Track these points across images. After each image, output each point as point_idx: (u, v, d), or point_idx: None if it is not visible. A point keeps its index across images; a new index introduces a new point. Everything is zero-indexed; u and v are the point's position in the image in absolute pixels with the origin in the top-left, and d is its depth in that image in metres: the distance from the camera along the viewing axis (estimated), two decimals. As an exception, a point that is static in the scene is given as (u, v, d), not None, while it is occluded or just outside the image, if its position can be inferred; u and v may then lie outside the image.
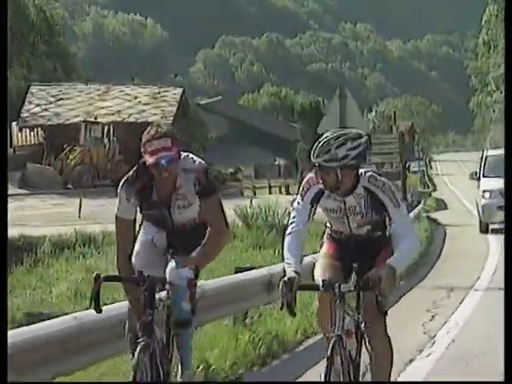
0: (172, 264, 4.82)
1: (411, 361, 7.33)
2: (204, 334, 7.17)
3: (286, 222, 18.64)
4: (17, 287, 15.58)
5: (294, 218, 4.83)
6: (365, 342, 4.83)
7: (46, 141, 40.27)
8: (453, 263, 16.20)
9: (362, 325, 4.79)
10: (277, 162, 58.91)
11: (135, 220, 4.94)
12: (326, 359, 4.55)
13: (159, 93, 43.51)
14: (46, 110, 41.88)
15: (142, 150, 4.76)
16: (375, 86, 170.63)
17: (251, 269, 8.52)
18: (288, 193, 41.13)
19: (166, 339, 4.87)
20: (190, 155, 4.92)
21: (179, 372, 4.98)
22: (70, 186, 35.25)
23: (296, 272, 4.66)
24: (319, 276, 4.90)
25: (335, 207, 4.83)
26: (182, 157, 4.83)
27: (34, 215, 26.28)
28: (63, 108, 42.04)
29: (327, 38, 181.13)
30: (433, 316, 9.80)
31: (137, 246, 5.06)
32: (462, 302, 10.92)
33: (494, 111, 59.50)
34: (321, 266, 4.97)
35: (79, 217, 25.55)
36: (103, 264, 17.22)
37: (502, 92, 52.44)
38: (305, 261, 4.85)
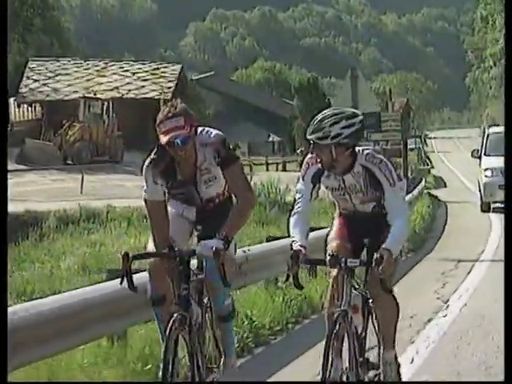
0: (201, 237, 4.85)
1: (429, 320, 7.80)
2: (244, 295, 7.99)
3: (287, 198, 18.90)
4: (25, 261, 15.71)
5: (298, 198, 4.91)
6: (371, 318, 4.91)
7: (44, 117, 40.09)
8: (457, 238, 16.48)
9: (370, 301, 4.88)
10: (271, 139, 58.69)
11: (165, 201, 4.95)
12: (326, 335, 4.57)
13: (158, 69, 43.40)
14: (44, 85, 41.70)
15: (157, 130, 4.76)
16: (370, 61, 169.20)
17: (280, 238, 9.09)
18: (285, 170, 41.16)
19: (200, 314, 4.89)
20: (206, 128, 4.94)
21: (222, 357, 5.02)
22: (69, 162, 35.26)
23: (302, 246, 4.74)
24: (328, 249, 4.99)
25: (336, 186, 4.93)
26: (199, 131, 4.86)
27: (36, 190, 26.33)
28: (62, 83, 41.86)
29: (320, 11, 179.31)
30: (444, 284, 10.28)
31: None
32: (469, 272, 11.33)
33: (490, 88, 58.94)
34: (331, 239, 5.09)
35: (81, 192, 25.62)
36: (108, 239, 17.37)
37: (499, 68, 52.17)
38: (310, 236, 4.93)
